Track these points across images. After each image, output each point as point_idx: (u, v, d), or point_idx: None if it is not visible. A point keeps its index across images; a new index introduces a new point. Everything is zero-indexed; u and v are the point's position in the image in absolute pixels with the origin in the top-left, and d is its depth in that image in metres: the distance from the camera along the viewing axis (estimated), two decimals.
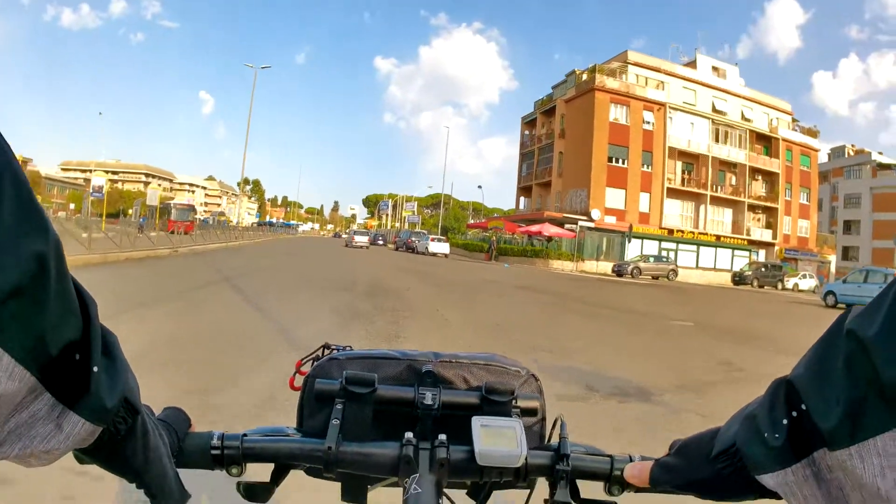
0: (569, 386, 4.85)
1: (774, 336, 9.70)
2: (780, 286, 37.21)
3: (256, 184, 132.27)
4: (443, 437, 0.59)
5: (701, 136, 41.81)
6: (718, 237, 41.50)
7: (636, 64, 41.42)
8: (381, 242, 56.60)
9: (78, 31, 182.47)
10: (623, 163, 39.09)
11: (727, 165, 43.02)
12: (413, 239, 44.08)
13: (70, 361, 0.38)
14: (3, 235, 0.30)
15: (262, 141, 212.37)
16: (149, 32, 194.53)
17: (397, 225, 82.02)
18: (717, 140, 42.45)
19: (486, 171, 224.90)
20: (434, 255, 37.50)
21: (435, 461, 0.58)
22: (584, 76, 41.59)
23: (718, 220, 42.77)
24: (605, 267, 35.29)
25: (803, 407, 0.41)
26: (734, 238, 42.28)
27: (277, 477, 0.64)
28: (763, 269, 37.77)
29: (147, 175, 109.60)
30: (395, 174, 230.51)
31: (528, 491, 0.66)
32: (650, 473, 0.56)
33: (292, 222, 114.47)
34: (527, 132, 50.48)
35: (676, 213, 40.99)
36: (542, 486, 0.64)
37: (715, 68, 44.82)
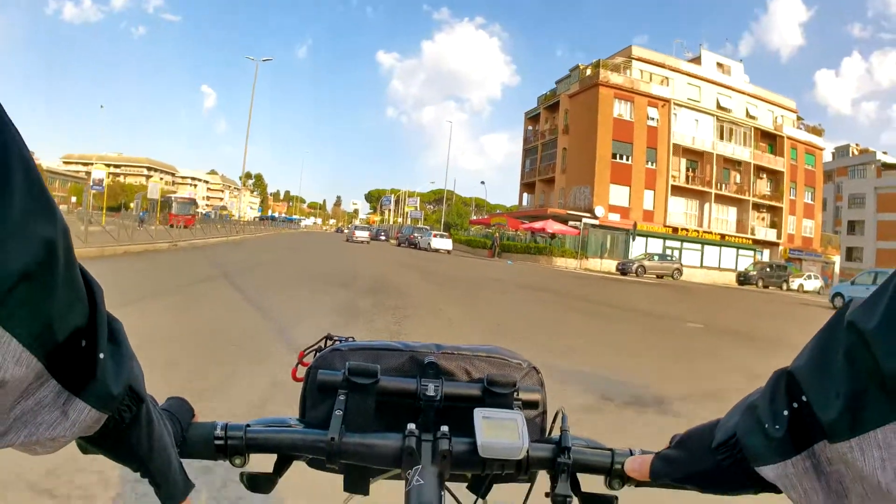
0: (583, 395, 4.61)
1: (789, 339, 9.35)
2: (784, 287, 36.95)
3: (259, 178, 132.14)
4: (445, 428, 0.60)
5: (705, 133, 41.41)
6: (723, 236, 41.13)
7: (640, 59, 40.99)
8: (383, 238, 56.40)
9: (80, 25, 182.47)
10: (627, 159, 38.70)
11: (732, 163, 42.60)
12: (415, 235, 43.89)
13: (76, 348, 0.38)
14: (12, 221, 0.30)
15: (265, 135, 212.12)
16: (150, 26, 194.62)
17: (400, 220, 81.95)
18: (721, 137, 42.03)
19: (489, 167, 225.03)
20: (436, 251, 37.23)
21: (437, 453, 0.58)
22: (588, 71, 41.16)
23: (723, 218, 42.38)
24: (609, 265, 35.00)
25: (804, 398, 0.41)
26: (739, 237, 41.90)
27: (280, 468, 0.65)
28: (768, 270, 37.42)
29: (149, 169, 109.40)
30: (398, 169, 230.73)
31: (528, 485, 0.66)
32: (651, 467, 0.56)
33: (294, 217, 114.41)
34: (530, 127, 50.02)
35: (681, 211, 40.61)
36: (541, 479, 0.65)
37: (720, 65, 44.33)
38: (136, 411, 0.45)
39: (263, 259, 17.66)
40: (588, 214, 36.41)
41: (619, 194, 38.30)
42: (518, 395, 0.64)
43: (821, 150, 48.73)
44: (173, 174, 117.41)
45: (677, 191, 40.24)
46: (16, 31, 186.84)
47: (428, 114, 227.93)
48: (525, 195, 50.94)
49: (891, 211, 50.99)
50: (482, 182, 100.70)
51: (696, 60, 43.30)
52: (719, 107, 42.37)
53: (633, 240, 36.74)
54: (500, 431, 0.58)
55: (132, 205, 51.17)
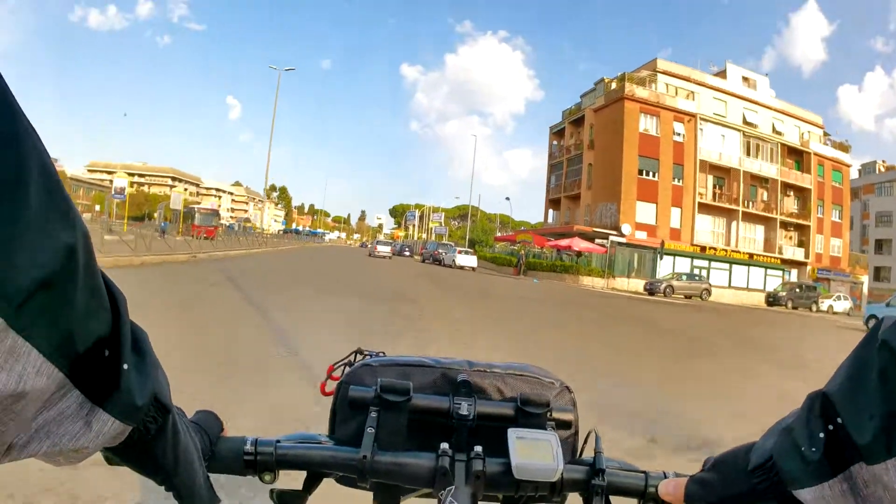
0: (628, 437, 4.02)
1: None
2: (814, 308, 35.61)
3: (283, 191, 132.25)
4: (479, 448, 0.59)
5: (732, 149, 40.37)
6: (751, 255, 39.86)
7: (665, 73, 40.12)
8: (407, 253, 55.42)
9: (105, 33, 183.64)
10: (654, 175, 37.66)
11: (758, 180, 41.50)
12: (440, 251, 42.92)
13: (99, 358, 0.37)
14: (31, 227, 0.30)
15: (290, 148, 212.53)
16: (176, 35, 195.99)
17: (424, 236, 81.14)
18: (748, 153, 40.98)
19: (513, 183, 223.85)
20: (461, 267, 36.27)
21: (471, 473, 0.58)
22: (613, 85, 40.32)
23: (750, 237, 41.18)
24: (636, 284, 33.79)
25: (839, 420, 0.41)
26: (767, 256, 40.61)
27: (310, 485, 0.64)
28: (797, 290, 36.10)
29: (173, 179, 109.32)
30: (422, 184, 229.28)
31: None
32: (685, 490, 0.56)
33: (319, 230, 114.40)
34: (555, 142, 49.18)
35: (708, 230, 39.46)
36: (572, 500, 0.64)
37: (745, 79, 43.41)
38: (162, 423, 0.45)
39: (281, 273, 17.08)
40: (614, 232, 35.32)
41: (645, 212, 37.19)
42: (551, 414, 0.64)
43: (848, 166, 47.59)
44: (198, 185, 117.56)
45: (704, 208, 39.09)
46: (40, 37, 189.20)
47: (451, 128, 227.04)
48: (550, 211, 49.93)
49: None
50: (507, 198, 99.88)
51: (722, 74, 42.43)
52: (745, 122, 41.42)
53: (661, 259, 35.56)
54: (534, 452, 0.58)
55: (156, 215, 50.69)
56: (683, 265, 36.37)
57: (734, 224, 40.18)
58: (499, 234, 59.92)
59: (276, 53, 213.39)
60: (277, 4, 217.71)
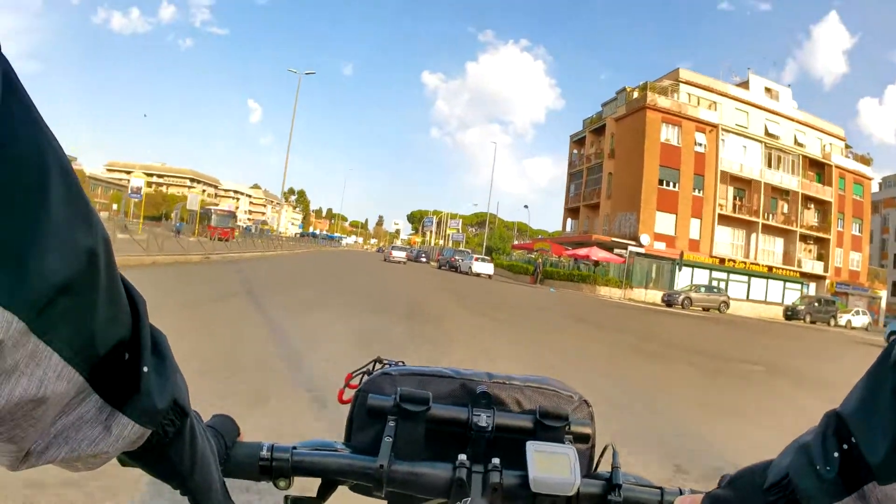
0: (655, 467, 3.73)
1: None
2: (832, 322, 35.31)
3: (301, 194, 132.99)
4: (496, 460, 0.59)
5: (753, 160, 39.97)
6: (770, 268, 39.52)
7: (688, 82, 39.78)
8: (423, 259, 55.61)
9: (128, 35, 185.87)
10: (674, 186, 37.37)
11: (779, 192, 41.06)
12: (456, 258, 42.91)
13: (119, 361, 0.37)
14: (51, 230, 0.30)
15: (309, 152, 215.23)
16: (198, 39, 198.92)
17: (441, 242, 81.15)
18: (769, 165, 40.55)
19: (531, 191, 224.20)
20: (478, 275, 36.19)
21: (488, 485, 0.58)
22: (635, 94, 40.04)
23: (769, 249, 40.78)
24: (654, 295, 33.63)
25: (853, 440, 0.41)
26: (785, 269, 40.23)
27: (324, 492, 0.64)
28: (816, 304, 35.75)
29: (192, 180, 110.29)
30: (440, 190, 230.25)
31: None
32: None
33: (336, 235, 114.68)
34: (575, 151, 48.87)
35: (727, 241, 39.12)
36: None
37: (768, 89, 42.96)
38: (180, 426, 0.44)
39: (294, 276, 17.01)
40: (633, 242, 35.10)
41: (665, 222, 36.94)
42: (570, 428, 0.64)
43: (869, 179, 47.03)
44: (216, 186, 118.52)
45: (724, 220, 38.75)
46: (65, 38, 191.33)
47: (471, 136, 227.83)
48: (569, 220, 49.64)
49: None
50: (525, 206, 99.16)
51: (744, 85, 42.02)
52: (767, 133, 41.01)
53: (680, 270, 35.38)
54: (552, 466, 0.58)
55: (172, 215, 51.07)
56: (702, 277, 36.16)
57: (754, 236, 39.83)
58: (516, 242, 59.74)
59: (297, 58, 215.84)
60: (300, 11, 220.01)
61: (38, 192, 0.29)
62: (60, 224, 0.30)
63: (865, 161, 47.05)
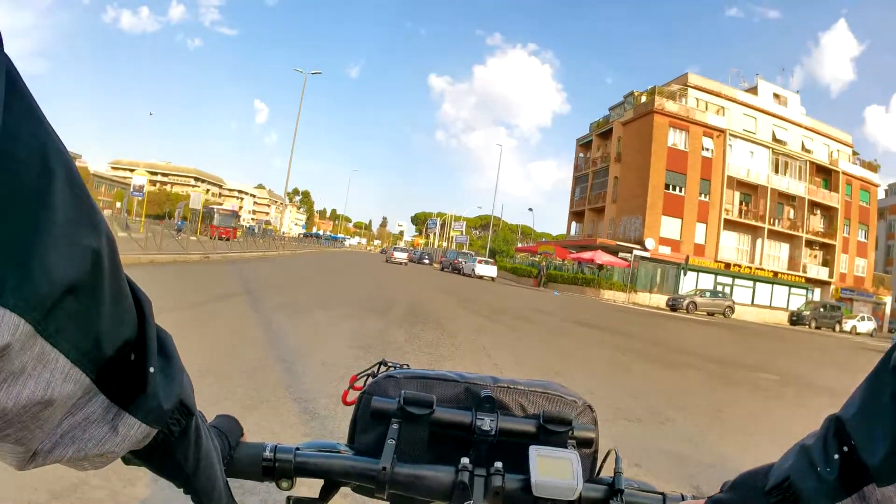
0: (671, 484, 3.46)
1: None
2: (837, 328, 35.26)
3: (306, 195, 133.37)
4: (499, 464, 0.60)
5: (760, 165, 39.87)
6: (775, 273, 39.43)
7: (696, 87, 39.66)
8: (426, 261, 55.43)
9: (138, 34, 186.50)
10: (680, 190, 37.29)
11: (785, 198, 40.97)
12: (460, 260, 42.85)
13: (125, 362, 0.37)
14: (55, 231, 0.29)
15: (314, 153, 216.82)
16: (207, 39, 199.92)
17: (445, 244, 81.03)
18: (776, 171, 40.44)
19: (535, 194, 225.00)
20: (480, 277, 36.21)
21: (490, 489, 0.58)
22: (643, 98, 39.92)
23: (775, 255, 40.68)
24: (659, 300, 33.60)
25: (852, 442, 0.42)
26: (791, 275, 40.15)
27: (326, 494, 0.64)
28: (821, 310, 35.76)
29: (196, 179, 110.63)
30: (445, 192, 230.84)
31: None
32: None
33: (339, 235, 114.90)
34: (581, 154, 48.75)
35: (732, 246, 39.03)
36: None
37: (776, 95, 42.82)
38: (186, 426, 0.45)
39: (293, 278, 16.87)
40: (638, 246, 35.07)
41: (670, 226, 36.85)
42: (573, 433, 0.64)
43: (876, 186, 46.89)
44: (220, 186, 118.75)
45: (730, 225, 38.67)
46: (74, 36, 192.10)
47: (477, 138, 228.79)
48: (573, 224, 49.55)
49: None
50: (530, 209, 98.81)
51: (753, 90, 41.89)
52: (775, 139, 40.87)
53: (685, 274, 35.30)
54: (554, 470, 0.58)
55: (175, 213, 51.11)
56: (707, 282, 36.13)
57: (759, 241, 39.72)
58: (520, 245, 59.58)
59: (305, 60, 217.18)
60: (308, 12, 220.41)
61: (41, 193, 0.29)
62: (65, 225, 0.30)
63: (872, 168, 46.88)
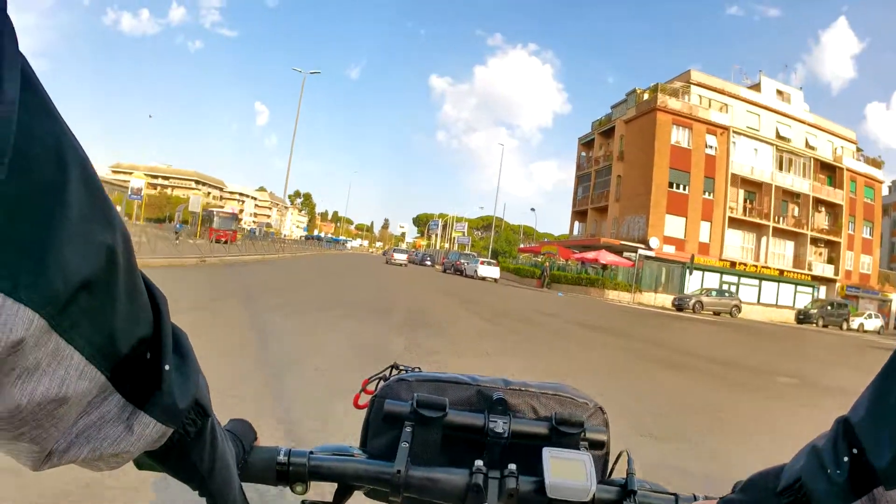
0: None
1: None
2: (844, 326, 34.88)
3: (307, 197, 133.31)
4: (513, 466, 0.60)
5: (764, 163, 39.48)
6: (781, 272, 39.04)
7: (699, 84, 39.30)
8: (428, 263, 55.05)
9: (138, 37, 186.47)
10: (684, 189, 36.89)
11: (790, 195, 40.57)
12: (462, 261, 42.52)
13: (141, 360, 0.37)
14: (71, 227, 0.29)
15: (316, 155, 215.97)
16: (207, 41, 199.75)
17: (447, 245, 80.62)
18: (780, 168, 40.07)
19: (537, 195, 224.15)
20: (483, 278, 35.87)
21: (504, 491, 0.58)
22: (646, 95, 39.53)
23: (779, 253, 40.28)
24: (664, 300, 33.17)
25: (861, 445, 0.42)
26: (796, 273, 39.76)
27: (340, 498, 0.64)
28: (829, 308, 35.38)
29: (197, 182, 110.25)
30: (446, 193, 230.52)
31: None
32: None
33: (341, 238, 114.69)
34: (583, 153, 48.35)
35: (737, 245, 38.63)
36: None
37: (779, 92, 42.46)
38: (202, 426, 0.44)
39: (290, 281, 16.48)
40: (642, 245, 34.65)
41: (674, 225, 36.46)
42: (585, 435, 0.64)
43: (880, 182, 46.52)
44: (221, 189, 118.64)
45: (734, 223, 38.28)
46: (74, 38, 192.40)
47: (478, 139, 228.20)
48: (576, 223, 49.14)
49: None
50: (532, 209, 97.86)
51: (756, 87, 41.55)
52: (779, 136, 40.50)
53: (690, 273, 34.90)
54: (567, 472, 0.58)
55: (175, 216, 50.97)
56: (712, 280, 35.77)
57: (764, 239, 39.33)
58: (522, 246, 59.18)
59: (306, 61, 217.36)
60: (310, 13, 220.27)
61: (57, 190, 0.29)
62: (80, 221, 0.30)
63: (877, 164, 46.49)
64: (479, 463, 0.59)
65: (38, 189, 0.28)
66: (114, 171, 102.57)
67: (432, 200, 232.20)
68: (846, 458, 0.43)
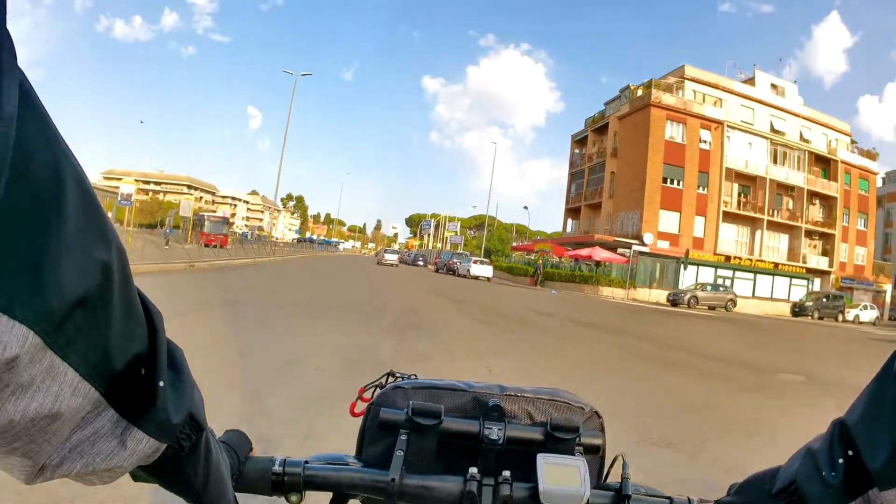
0: None
1: None
2: (840, 318, 34.84)
3: (300, 200, 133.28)
4: (507, 473, 0.60)
5: (759, 156, 39.43)
6: (776, 265, 39.04)
7: (693, 79, 39.18)
8: (420, 263, 54.87)
9: (131, 43, 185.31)
10: (678, 184, 36.83)
11: (784, 188, 40.57)
12: (454, 260, 42.37)
13: (135, 376, 0.37)
14: (68, 244, 0.29)
15: (308, 158, 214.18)
16: (200, 46, 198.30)
17: (439, 245, 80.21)
18: (775, 161, 40.02)
19: (530, 194, 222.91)
20: (476, 278, 35.82)
21: (498, 498, 0.59)
22: (639, 91, 39.40)
23: (774, 246, 40.30)
24: (658, 295, 33.14)
25: (856, 447, 0.43)
26: (791, 266, 39.78)
27: None
28: (824, 300, 35.35)
29: (189, 187, 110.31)
30: (439, 194, 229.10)
31: None
32: None
33: (333, 240, 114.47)
34: (577, 150, 48.22)
35: (732, 239, 38.62)
36: None
37: (774, 86, 42.37)
38: (196, 440, 0.44)
39: (279, 284, 16.32)
40: (636, 241, 34.61)
41: (668, 220, 36.41)
42: (580, 440, 0.64)
43: (874, 174, 46.53)
44: (213, 193, 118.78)
45: (729, 217, 38.27)
46: (66, 45, 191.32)
47: (471, 139, 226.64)
48: (570, 221, 49.06)
49: None
50: (525, 207, 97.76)
51: (750, 81, 41.45)
52: (773, 130, 40.43)
53: (685, 268, 34.83)
54: (562, 478, 0.58)
55: (166, 221, 50.72)
56: (707, 275, 35.71)
57: (758, 233, 39.34)
58: (515, 244, 59.06)
59: (299, 64, 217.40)
60: (302, 17, 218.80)
61: (53, 206, 0.29)
62: (76, 237, 0.30)
63: (871, 156, 46.46)
64: (473, 470, 0.59)
65: (35, 206, 0.28)
66: (105, 178, 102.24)
67: (425, 201, 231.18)
68: (841, 461, 0.43)
